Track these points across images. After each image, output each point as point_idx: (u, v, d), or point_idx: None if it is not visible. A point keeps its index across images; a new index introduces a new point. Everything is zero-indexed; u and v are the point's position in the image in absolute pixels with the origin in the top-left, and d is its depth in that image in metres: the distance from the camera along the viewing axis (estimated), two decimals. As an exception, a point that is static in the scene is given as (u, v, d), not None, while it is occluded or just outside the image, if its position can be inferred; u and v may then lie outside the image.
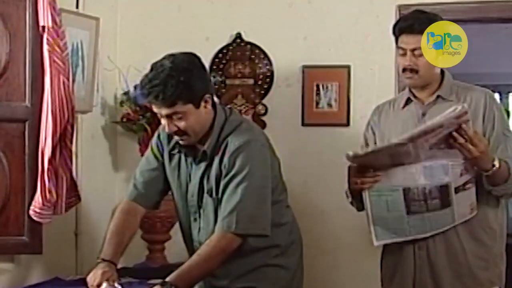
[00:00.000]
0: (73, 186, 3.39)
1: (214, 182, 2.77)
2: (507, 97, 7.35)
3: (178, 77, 2.60)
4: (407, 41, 2.87)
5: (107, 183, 4.12)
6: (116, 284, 2.66)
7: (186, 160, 2.87)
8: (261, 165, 2.74)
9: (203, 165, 2.80)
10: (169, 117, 2.68)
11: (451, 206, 2.76)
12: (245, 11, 4.08)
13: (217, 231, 2.69)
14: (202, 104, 2.70)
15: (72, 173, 3.39)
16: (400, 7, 3.81)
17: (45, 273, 3.53)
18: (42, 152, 3.21)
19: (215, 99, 2.90)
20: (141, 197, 2.94)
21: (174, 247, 3.83)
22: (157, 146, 2.94)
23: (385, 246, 3.08)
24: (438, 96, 2.94)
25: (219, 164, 2.75)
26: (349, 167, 2.85)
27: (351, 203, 3.02)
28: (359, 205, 2.94)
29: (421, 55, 2.86)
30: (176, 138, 2.79)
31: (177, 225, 3.80)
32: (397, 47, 2.94)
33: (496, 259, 2.96)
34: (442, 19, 2.90)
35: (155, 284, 2.59)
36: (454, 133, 2.62)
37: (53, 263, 3.61)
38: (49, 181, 3.20)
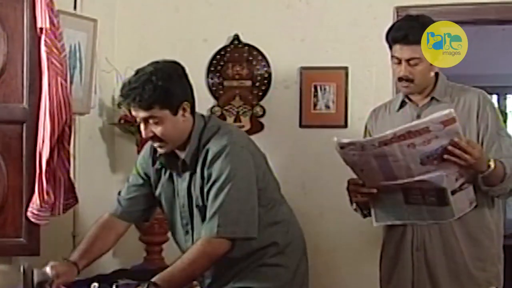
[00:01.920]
0: (70, 187, 3.39)
1: (198, 191, 2.77)
2: (504, 99, 7.35)
3: (156, 82, 2.65)
4: (402, 51, 2.87)
5: (104, 184, 4.12)
6: None
7: (171, 174, 2.88)
8: (242, 167, 2.72)
9: (187, 176, 2.81)
10: (146, 121, 2.70)
11: (449, 205, 2.76)
12: (243, 12, 4.08)
13: (202, 236, 2.68)
14: (180, 111, 2.71)
15: (70, 175, 3.39)
16: (397, 9, 3.82)
17: (42, 275, 3.53)
18: (39, 154, 3.20)
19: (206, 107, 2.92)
20: (125, 213, 3.00)
21: (172, 249, 3.81)
22: (141, 165, 2.98)
23: (383, 247, 3.09)
24: (432, 98, 2.95)
25: (201, 173, 2.75)
26: (348, 181, 2.88)
27: (355, 210, 3.02)
28: (364, 212, 2.95)
29: (416, 64, 2.87)
30: (154, 145, 2.81)
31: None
32: (392, 55, 2.94)
33: (494, 259, 2.97)
34: (432, 20, 2.90)
35: (139, 284, 2.60)
36: (450, 147, 2.60)
37: (50, 265, 3.61)
38: (46, 182, 3.20)
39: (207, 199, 2.72)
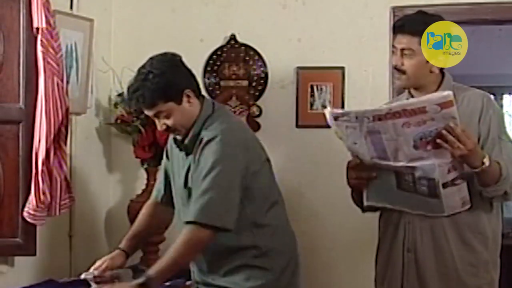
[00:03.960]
0: (67, 187, 3.39)
1: (191, 173, 2.86)
2: (501, 99, 7.37)
3: (153, 79, 2.79)
4: (398, 40, 2.87)
5: (101, 184, 4.12)
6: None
7: (181, 156, 2.97)
8: (228, 160, 2.78)
9: (190, 158, 2.90)
10: (156, 116, 2.86)
11: (439, 198, 2.73)
12: (239, 12, 4.08)
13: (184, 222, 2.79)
14: (184, 99, 2.85)
15: (66, 175, 3.38)
16: (394, 9, 3.82)
17: (39, 275, 3.53)
18: (36, 154, 3.20)
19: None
20: (163, 197, 3.13)
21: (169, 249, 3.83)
22: (166, 151, 3.12)
23: (378, 246, 3.08)
24: None
25: (194, 157, 2.85)
26: (348, 163, 2.83)
27: (355, 203, 3.00)
28: (360, 203, 2.93)
29: (410, 56, 2.84)
30: (171, 134, 2.97)
31: (171, 226, 3.82)
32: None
33: (488, 266, 2.89)
34: (442, 19, 2.88)
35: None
36: (443, 131, 2.57)
37: (47, 265, 3.61)
38: (43, 182, 3.20)
39: (194, 183, 2.82)
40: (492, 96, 7.05)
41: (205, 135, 2.82)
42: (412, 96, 2.96)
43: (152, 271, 2.70)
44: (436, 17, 2.92)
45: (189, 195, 2.85)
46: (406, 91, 3.01)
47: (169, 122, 2.85)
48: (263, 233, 2.88)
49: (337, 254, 3.96)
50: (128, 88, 2.88)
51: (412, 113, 2.55)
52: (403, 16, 2.98)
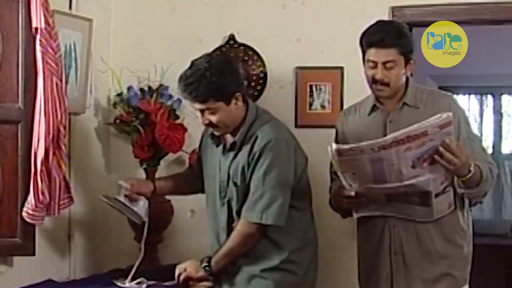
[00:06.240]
0: (66, 187, 3.38)
1: (240, 171, 3.00)
2: (499, 99, 7.35)
3: (211, 78, 2.91)
4: (378, 54, 2.93)
5: (100, 184, 4.11)
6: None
7: (216, 151, 3.13)
8: (285, 161, 3.00)
9: (231, 155, 3.04)
10: (202, 111, 3.00)
11: (430, 207, 2.82)
12: (238, 12, 4.08)
13: (241, 219, 3.02)
14: (233, 101, 3.00)
15: (65, 175, 3.38)
16: (393, 9, 3.82)
17: (38, 275, 3.52)
18: (35, 154, 3.20)
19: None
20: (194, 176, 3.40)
21: (167, 249, 3.83)
22: (200, 143, 3.36)
23: (359, 255, 3.14)
24: (403, 104, 2.98)
25: (248, 155, 2.98)
26: (335, 189, 3.00)
27: (333, 210, 3.12)
28: (344, 216, 3.01)
29: (392, 67, 2.93)
30: (210, 129, 3.13)
31: (170, 227, 3.82)
32: (366, 60, 2.97)
33: (468, 257, 3.05)
34: (408, 29, 2.98)
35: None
36: (441, 149, 2.66)
37: (46, 265, 3.60)
38: (42, 182, 3.20)
39: (249, 181, 3.01)
40: (490, 96, 7.00)
41: (261, 135, 2.99)
42: (381, 103, 3.03)
43: (213, 257, 3.03)
44: (401, 23, 3.07)
45: (240, 191, 3.04)
46: (372, 96, 3.05)
47: (213, 118, 2.99)
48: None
49: (337, 253, 3.95)
50: (181, 78, 2.97)
51: (415, 138, 2.65)
52: (372, 31, 3.00)
